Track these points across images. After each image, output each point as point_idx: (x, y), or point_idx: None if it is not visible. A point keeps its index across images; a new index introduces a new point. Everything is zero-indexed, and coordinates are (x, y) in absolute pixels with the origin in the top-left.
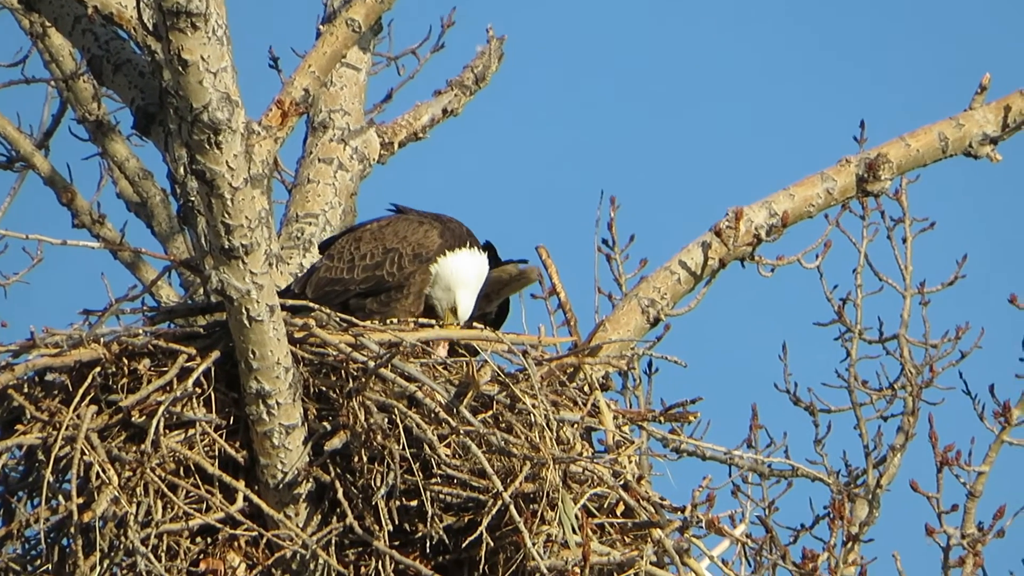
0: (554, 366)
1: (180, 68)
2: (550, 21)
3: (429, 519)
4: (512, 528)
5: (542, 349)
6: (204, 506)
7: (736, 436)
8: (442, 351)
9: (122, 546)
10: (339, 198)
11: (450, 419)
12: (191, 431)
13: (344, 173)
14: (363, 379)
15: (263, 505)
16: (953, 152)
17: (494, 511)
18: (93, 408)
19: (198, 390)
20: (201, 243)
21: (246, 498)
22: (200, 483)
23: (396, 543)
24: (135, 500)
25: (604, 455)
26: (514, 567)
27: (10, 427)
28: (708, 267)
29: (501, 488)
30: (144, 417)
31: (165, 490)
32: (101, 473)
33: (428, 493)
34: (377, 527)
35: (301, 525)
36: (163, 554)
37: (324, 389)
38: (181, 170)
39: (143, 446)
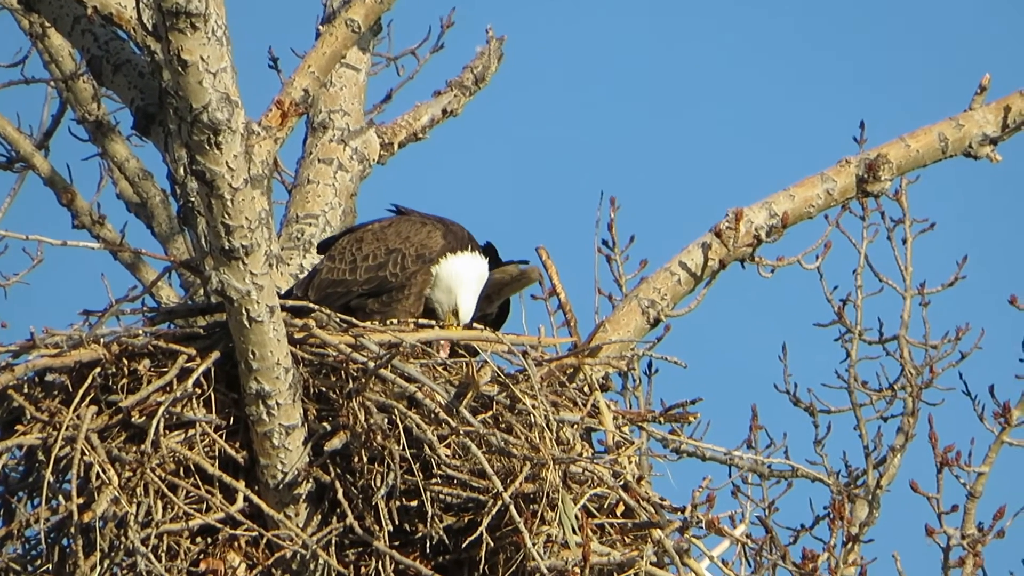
0: (554, 367)
1: (180, 68)
2: (550, 21)
3: (429, 519)
4: (512, 528)
5: (542, 350)
6: (204, 506)
7: (736, 437)
8: (444, 352)
9: (122, 546)
10: (339, 199)
11: (450, 419)
12: (191, 431)
13: (344, 174)
14: (363, 380)
15: (263, 505)
16: (953, 153)
17: (494, 511)
18: (93, 408)
19: (198, 390)
20: (201, 244)
21: (246, 498)
22: (200, 483)
23: (396, 543)
24: (135, 500)
25: (604, 455)
26: (514, 567)
27: (10, 427)
28: (708, 268)
29: (501, 488)
30: (144, 417)
31: (165, 490)
32: (101, 473)
33: (428, 493)
34: (377, 527)
35: (301, 525)
36: (163, 554)
37: (324, 390)
38: (181, 171)
39: (143, 446)
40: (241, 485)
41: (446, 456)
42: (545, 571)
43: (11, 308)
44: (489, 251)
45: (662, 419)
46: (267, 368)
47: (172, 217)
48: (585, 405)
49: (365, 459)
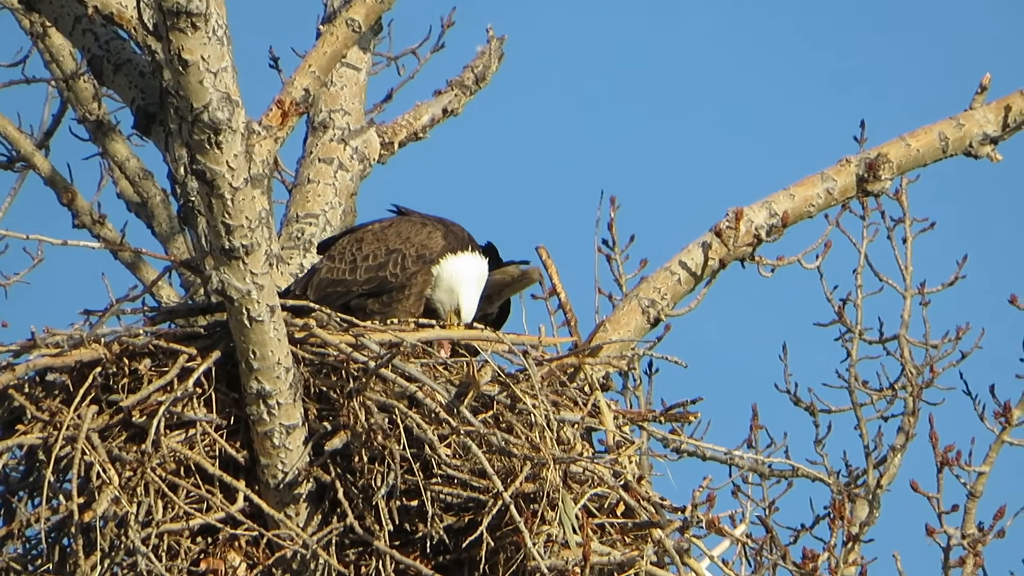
0: (554, 366)
1: (180, 68)
2: (550, 21)
3: (429, 519)
4: (512, 528)
5: (542, 349)
6: (205, 506)
7: (736, 436)
8: (445, 352)
9: (123, 546)
10: (339, 198)
11: (450, 419)
12: (192, 431)
13: (344, 173)
14: (364, 379)
15: (263, 505)
16: (953, 152)
17: (494, 511)
18: (94, 408)
19: (199, 390)
20: (201, 243)
21: (246, 498)
22: (201, 483)
23: (396, 543)
24: (136, 500)
25: (604, 455)
26: (514, 567)
27: (11, 427)
28: (708, 267)
29: (501, 488)
30: (145, 417)
31: (166, 490)
32: (102, 473)
33: (428, 493)
34: (377, 527)
35: (301, 525)
36: (164, 554)
37: (325, 389)
38: (181, 170)
39: (144, 446)
40: (241, 485)
41: (446, 456)
42: (545, 571)
43: (12, 308)
44: (490, 252)
45: (662, 419)
46: (268, 368)
47: (172, 217)
48: (586, 405)
49: (365, 459)
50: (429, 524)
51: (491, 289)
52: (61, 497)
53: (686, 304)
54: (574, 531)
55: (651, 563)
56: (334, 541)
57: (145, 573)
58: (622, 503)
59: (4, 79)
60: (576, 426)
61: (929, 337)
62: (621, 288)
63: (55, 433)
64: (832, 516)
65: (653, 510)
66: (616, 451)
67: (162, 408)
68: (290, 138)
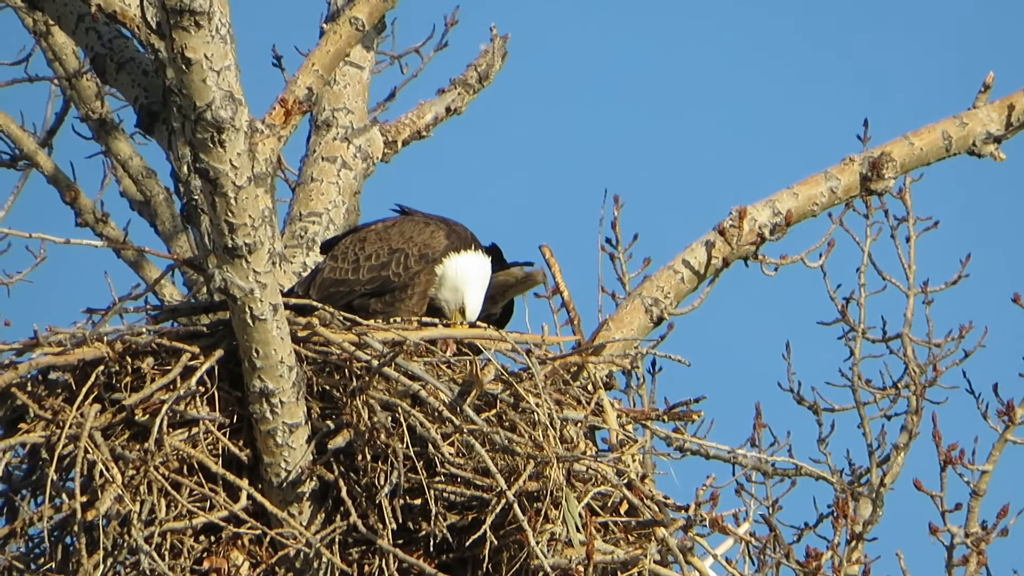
0: (558, 365)
1: (183, 66)
2: (553, 20)
3: (433, 518)
4: (516, 527)
5: (546, 348)
6: (208, 504)
7: (740, 435)
8: (451, 351)
9: (126, 544)
10: (343, 197)
11: (454, 418)
12: (195, 429)
13: (348, 171)
14: (367, 378)
15: (267, 503)
16: (957, 151)
17: (498, 510)
18: (97, 406)
19: (201, 389)
20: (204, 242)
21: (250, 496)
22: (204, 481)
23: (400, 542)
24: (139, 498)
25: (608, 454)
26: (518, 566)
27: (14, 425)
28: (712, 266)
29: (505, 487)
30: (148, 415)
31: (169, 488)
32: (105, 471)
33: (432, 492)
34: (381, 525)
35: (305, 523)
36: (167, 552)
37: (328, 388)
38: (184, 168)
39: (147, 444)
40: (244, 483)
41: (450, 454)
42: (549, 569)
43: (15, 306)
44: (494, 253)
45: (666, 417)
46: (270, 366)
47: (175, 215)
48: (589, 403)
49: (369, 457)
50: (432, 523)
51: (495, 290)
52: (64, 496)
53: (689, 303)
54: (577, 530)
55: (654, 562)
56: (337, 540)
57: (148, 572)
58: (625, 502)
59: (7, 77)
60: (579, 425)
61: (932, 336)
62: (624, 287)
63: (58, 432)
64: (835, 515)
65: (656, 509)
66: (619, 450)
67: (165, 406)
68: (293, 136)
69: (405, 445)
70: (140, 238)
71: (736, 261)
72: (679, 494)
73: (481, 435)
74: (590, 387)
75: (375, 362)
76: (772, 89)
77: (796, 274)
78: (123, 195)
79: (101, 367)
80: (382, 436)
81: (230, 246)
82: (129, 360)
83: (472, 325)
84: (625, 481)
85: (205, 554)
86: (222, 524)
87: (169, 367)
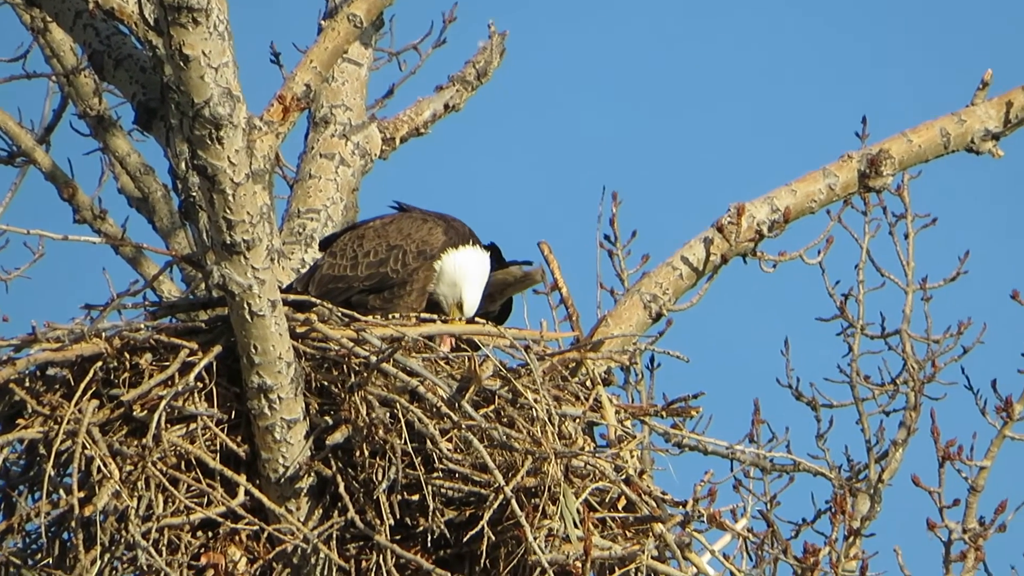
0: (556, 361)
1: (181, 63)
2: (551, 16)
3: (431, 513)
4: (514, 522)
5: (544, 344)
6: (205, 500)
7: (738, 431)
8: (446, 347)
9: (123, 540)
10: (340, 193)
11: (452, 414)
12: (192, 425)
13: (346, 168)
14: (365, 374)
15: (264, 499)
16: (955, 148)
17: (496, 505)
18: (94, 402)
19: (199, 385)
20: (203, 238)
21: (247, 492)
22: (201, 477)
23: (397, 537)
24: (136, 494)
25: (606, 450)
26: (515, 561)
27: (11, 421)
28: (710, 263)
29: (503, 482)
30: (145, 411)
31: (166, 484)
32: (102, 467)
33: (430, 487)
34: (378, 521)
35: (302, 519)
36: (164, 548)
37: (326, 384)
38: (182, 165)
39: (144, 440)
40: (242, 479)
41: (448, 450)
42: (546, 565)
43: (12, 302)
44: (493, 252)
45: (664, 413)
46: (269, 362)
47: (173, 212)
48: (587, 399)
49: (367, 453)
50: (430, 518)
51: (493, 288)
52: (61, 491)
53: (688, 299)
54: (575, 525)
55: (652, 557)
56: (335, 535)
57: (145, 567)
58: (623, 497)
59: (5, 74)
60: (578, 421)
61: (931, 332)
62: (623, 283)
63: (56, 427)
64: (833, 510)
65: (654, 504)
66: (618, 445)
67: (163, 402)
68: (291, 133)
69: (403, 441)
70: (138, 235)
71: (735, 258)
72: (677, 490)
73: (479, 431)
74: (588, 383)
75: (373, 358)
76: (770, 86)
77: (794, 271)
78: (121, 192)
79: (99, 363)
80: (380, 432)
81: (228, 243)
82: (127, 356)
83: (470, 321)
84: (623, 477)
85: (202, 550)
86: (220, 520)
87: (167, 363)
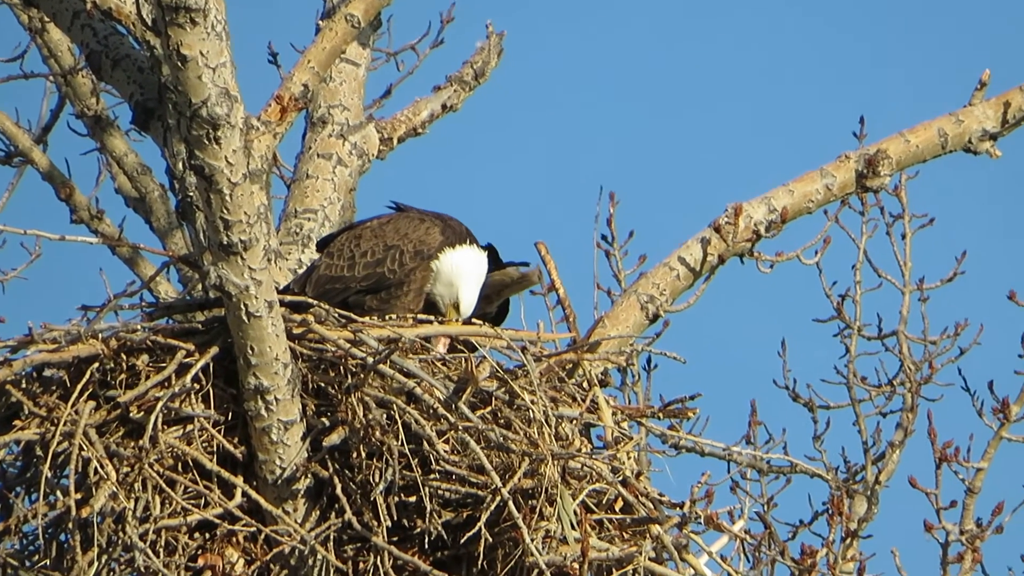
0: (553, 362)
1: (179, 63)
2: (549, 17)
3: (428, 515)
4: (511, 524)
5: (541, 345)
6: (202, 502)
7: (735, 432)
8: (442, 348)
9: (120, 541)
10: (338, 194)
11: (449, 415)
12: (189, 427)
13: (343, 169)
14: (362, 375)
15: (261, 501)
16: (952, 148)
17: (493, 507)
18: (91, 404)
19: (196, 386)
20: (200, 239)
21: (244, 494)
22: (198, 479)
23: (395, 539)
24: (133, 496)
25: (603, 451)
26: (513, 563)
27: (8, 423)
28: (707, 263)
29: (500, 484)
30: (142, 413)
31: (163, 486)
32: (99, 468)
33: (427, 489)
34: (376, 523)
35: (299, 521)
36: (161, 549)
37: (323, 385)
38: (180, 165)
39: (141, 442)
40: (239, 480)
41: (445, 452)
42: (544, 567)
43: (9, 303)
44: (490, 253)
45: (661, 415)
46: (266, 363)
47: (171, 212)
48: (584, 401)
49: (364, 454)
50: (427, 520)
51: (490, 289)
52: (58, 493)
53: (685, 300)
54: (572, 527)
55: (649, 559)
56: (332, 537)
57: (142, 569)
58: (620, 499)
59: (2, 74)
60: (574, 422)
61: (928, 333)
62: (620, 284)
63: (52, 429)
64: (831, 512)
65: (651, 506)
66: (615, 447)
67: (160, 404)
68: (289, 134)
69: (400, 442)
70: (135, 235)
71: (732, 258)
72: (674, 491)
73: (476, 432)
74: (585, 384)
75: (370, 359)
76: (768, 86)
77: (792, 271)
78: (118, 192)
79: (96, 364)
80: (377, 433)
81: (225, 243)
82: (124, 357)
83: (467, 322)
84: (620, 478)
85: (200, 551)
86: (217, 521)
87: (164, 364)
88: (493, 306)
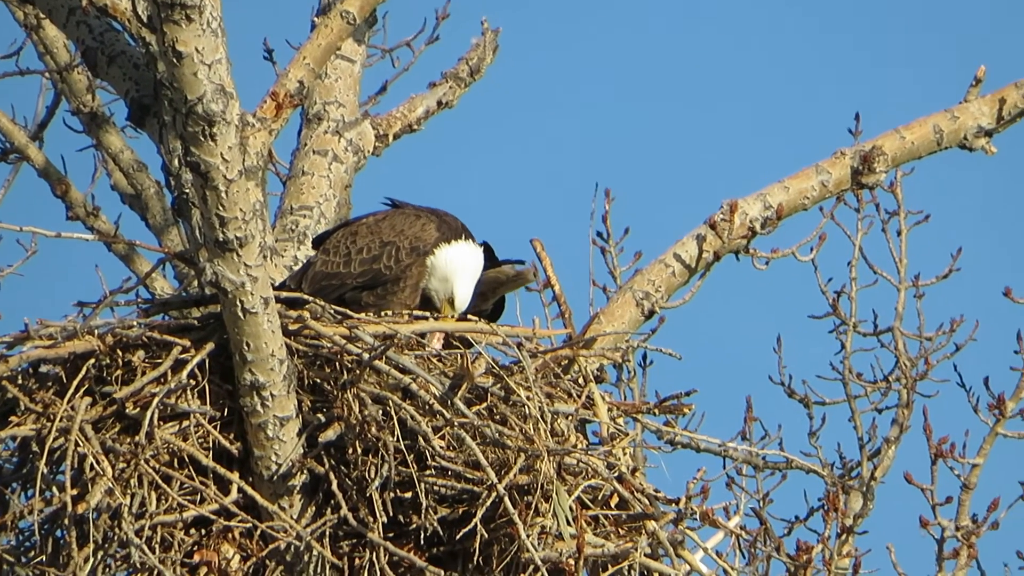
0: (549, 358)
1: (175, 60)
2: (544, 13)
3: (423, 511)
4: (506, 520)
5: (537, 341)
6: (198, 498)
7: (731, 428)
8: (438, 344)
9: (116, 537)
10: (334, 190)
11: (444, 411)
12: (185, 423)
13: (339, 165)
14: (357, 371)
15: (257, 497)
16: (948, 145)
17: (488, 503)
18: (87, 400)
19: (192, 382)
20: (195, 235)
21: (240, 490)
22: (194, 475)
23: (390, 535)
24: (129, 492)
25: (599, 447)
26: (508, 559)
27: (4, 419)
28: (703, 260)
29: (495, 480)
30: (138, 409)
31: (159, 482)
32: (95, 465)
33: (422, 485)
34: (371, 519)
35: (295, 517)
36: (157, 545)
37: (318, 381)
38: (175, 162)
39: (137, 438)
40: (235, 476)
41: (440, 448)
42: (539, 562)
43: (5, 299)
44: (485, 251)
45: (657, 411)
46: (261, 359)
47: (166, 209)
48: (580, 397)
49: (359, 450)
50: (423, 516)
51: (486, 287)
52: (54, 489)
53: (680, 296)
54: (568, 523)
55: (645, 555)
56: (328, 533)
57: (138, 565)
58: (616, 495)
59: None
60: (570, 418)
61: (923, 329)
62: (615, 280)
63: (48, 425)
64: (826, 508)
65: (647, 502)
66: (610, 443)
67: (156, 400)
68: (284, 130)
69: (396, 438)
70: (131, 231)
71: (727, 255)
72: (670, 487)
73: (472, 428)
74: (581, 380)
75: (366, 355)
76: (763, 83)
77: (787, 268)
78: (114, 188)
79: (92, 360)
80: (373, 429)
81: (221, 240)
82: (120, 353)
83: (463, 318)
84: (616, 474)
85: (196, 547)
86: (213, 517)
87: (160, 360)
88: (489, 303)
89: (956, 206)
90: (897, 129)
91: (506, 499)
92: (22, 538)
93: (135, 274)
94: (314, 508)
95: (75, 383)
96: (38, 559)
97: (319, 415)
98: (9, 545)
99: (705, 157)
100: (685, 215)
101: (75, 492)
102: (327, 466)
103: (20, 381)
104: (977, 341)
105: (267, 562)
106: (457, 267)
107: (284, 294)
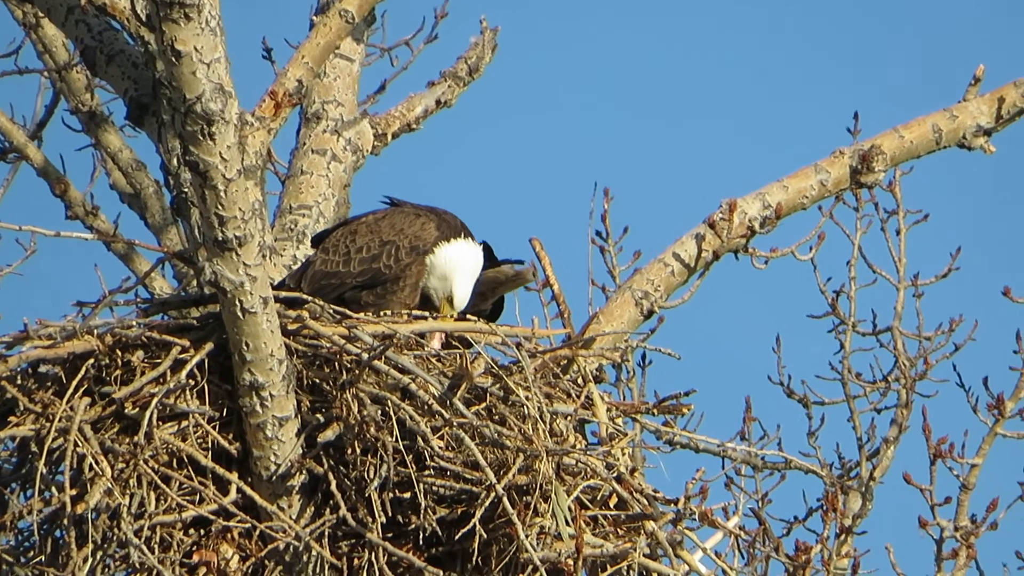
0: (548, 358)
1: (173, 59)
2: (543, 12)
3: (422, 511)
4: (505, 520)
5: (536, 341)
6: (197, 498)
7: (729, 428)
8: (437, 343)
9: (115, 538)
10: (332, 189)
11: (443, 411)
12: (184, 423)
13: (337, 164)
14: (356, 371)
15: (256, 497)
16: (947, 144)
17: (487, 503)
18: (86, 400)
19: (191, 382)
20: (194, 235)
21: (239, 490)
22: (193, 475)
23: (389, 535)
24: (128, 492)
25: (597, 447)
26: (507, 559)
27: (3, 419)
28: (702, 259)
29: (494, 480)
30: (137, 409)
31: (158, 482)
32: (94, 465)
33: (421, 485)
34: (370, 519)
35: (294, 517)
36: (156, 546)
37: (318, 381)
38: (174, 161)
39: (136, 438)
40: (234, 477)
41: (439, 448)
42: (538, 563)
43: (4, 299)
44: (485, 251)
45: (656, 411)
46: (260, 359)
47: (165, 208)
48: (579, 397)
49: (358, 451)
50: (422, 516)
51: (485, 287)
52: (53, 489)
53: (679, 296)
54: (567, 523)
55: (644, 555)
56: (327, 533)
57: (137, 565)
58: (615, 495)
59: None
60: (569, 418)
61: (922, 329)
62: (614, 280)
63: (47, 425)
64: (825, 508)
65: (646, 502)
66: (609, 443)
67: (155, 400)
68: (283, 129)
69: (395, 438)
70: (130, 231)
71: (726, 254)
72: (669, 488)
73: (471, 428)
74: (580, 380)
75: (365, 355)
76: (762, 83)
77: (786, 267)
78: (113, 188)
79: (91, 360)
80: (372, 429)
81: (220, 239)
82: (119, 353)
83: (462, 318)
84: (615, 475)
85: (195, 547)
86: (212, 517)
87: (159, 360)
88: (488, 303)
89: (955, 205)
90: (896, 128)
91: (505, 499)
92: (21, 538)
93: (134, 273)
94: (313, 508)
95: (74, 383)
96: (37, 559)
97: (318, 415)
98: (8, 545)
99: (704, 156)
100: (684, 214)
101: (74, 492)
102: (326, 466)
103: (19, 381)
104: (976, 341)
105: (266, 562)
106: (456, 266)
107: (283, 294)
